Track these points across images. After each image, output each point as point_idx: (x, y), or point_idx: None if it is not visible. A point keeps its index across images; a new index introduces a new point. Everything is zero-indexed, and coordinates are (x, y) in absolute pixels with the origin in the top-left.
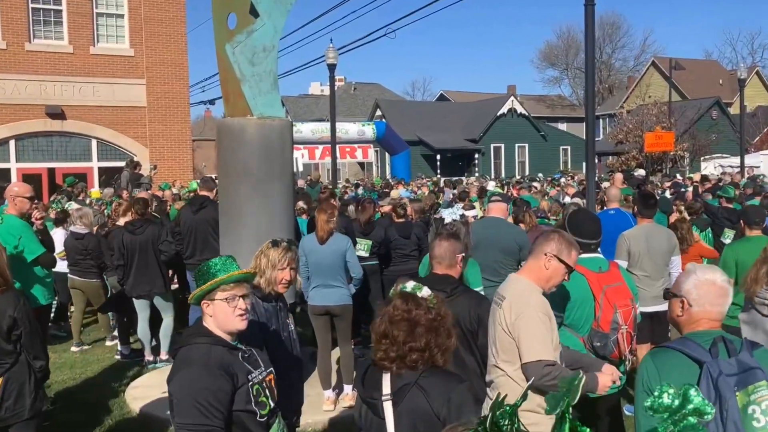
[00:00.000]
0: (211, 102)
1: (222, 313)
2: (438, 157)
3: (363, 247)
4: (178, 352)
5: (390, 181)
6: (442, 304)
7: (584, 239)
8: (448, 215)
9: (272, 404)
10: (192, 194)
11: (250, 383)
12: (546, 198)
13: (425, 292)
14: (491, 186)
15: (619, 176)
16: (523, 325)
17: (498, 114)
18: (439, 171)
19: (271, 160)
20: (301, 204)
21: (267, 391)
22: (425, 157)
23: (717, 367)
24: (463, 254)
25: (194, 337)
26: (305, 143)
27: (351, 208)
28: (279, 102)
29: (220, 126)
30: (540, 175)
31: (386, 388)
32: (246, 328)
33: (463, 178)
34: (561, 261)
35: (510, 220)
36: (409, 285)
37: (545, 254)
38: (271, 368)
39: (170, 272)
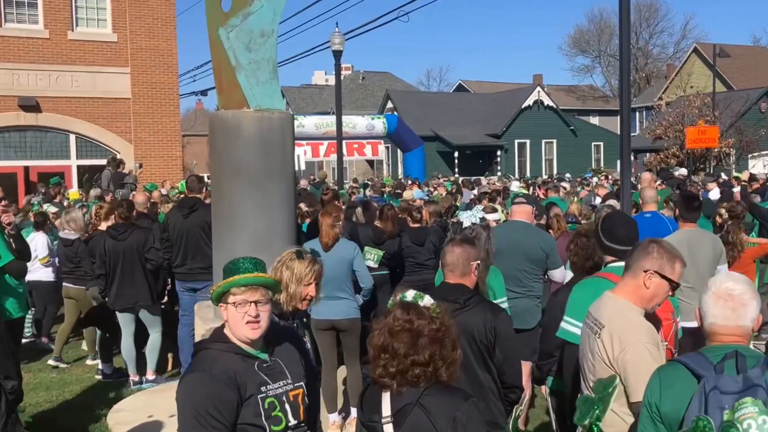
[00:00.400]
0: (203, 93)
1: (233, 319)
2: (456, 154)
3: (372, 257)
4: (196, 355)
5: (402, 181)
6: (446, 313)
7: (619, 245)
8: (467, 218)
9: (293, 421)
10: (181, 196)
11: (262, 395)
12: (576, 200)
13: (427, 300)
14: (515, 186)
15: (647, 176)
16: (632, 360)
17: (523, 106)
18: (457, 170)
19: (269, 158)
20: (303, 207)
21: (286, 406)
22: (442, 154)
23: (713, 383)
24: (478, 261)
25: (210, 342)
26: (308, 139)
27: (359, 210)
28: (279, 93)
29: (213, 119)
30: (567, 175)
31: (386, 409)
32: (259, 337)
33: (484, 177)
34: (663, 277)
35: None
36: (410, 294)
37: (645, 271)
38: (302, 383)
39: (166, 283)
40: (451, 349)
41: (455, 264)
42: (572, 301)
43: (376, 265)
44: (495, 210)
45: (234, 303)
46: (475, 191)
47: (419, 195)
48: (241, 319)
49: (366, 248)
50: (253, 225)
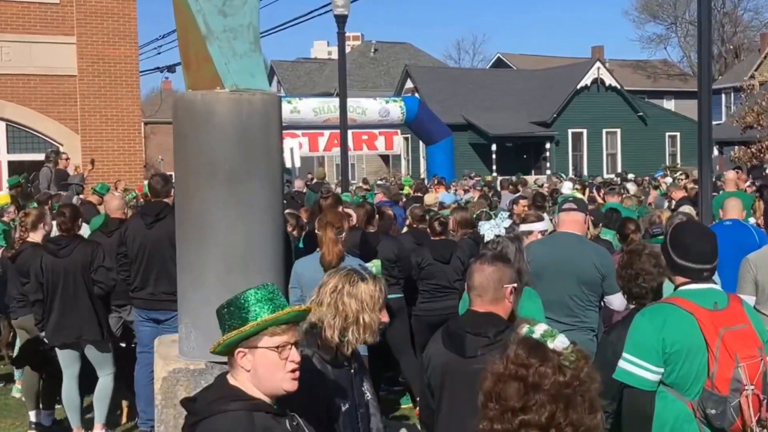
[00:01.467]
0: (171, 69)
1: (268, 367)
2: (493, 147)
3: (370, 267)
4: (196, 427)
5: (425, 181)
6: (586, 362)
7: (693, 263)
8: (489, 230)
9: None
10: (139, 199)
11: None
12: (651, 205)
13: (560, 342)
14: (567, 188)
15: (731, 175)
16: None
17: (578, 87)
18: (495, 167)
19: (250, 152)
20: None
21: None
22: (475, 147)
23: None
24: (515, 284)
25: (223, 402)
26: (305, 128)
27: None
28: (262, 69)
29: (177, 103)
30: (631, 175)
31: None
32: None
33: (530, 176)
34: None
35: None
36: (538, 329)
37: None
38: None
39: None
40: (586, 412)
41: (485, 287)
42: (634, 332)
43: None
44: (540, 218)
45: (277, 347)
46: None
47: (448, 199)
48: (283, 367)
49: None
50: (228, 238)
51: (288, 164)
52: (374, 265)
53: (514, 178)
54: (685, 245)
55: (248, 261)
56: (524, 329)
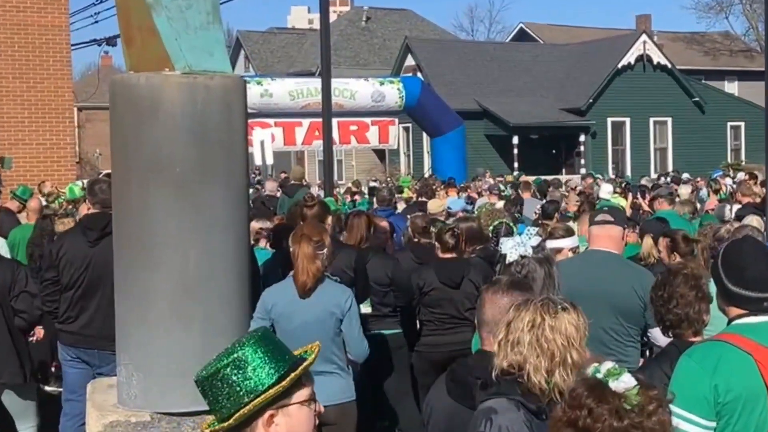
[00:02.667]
0: (111, 41)
1: (304, 425)
2: (515, 140)
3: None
4: None
5: (430, 181)
6: (657, 408)
7: (750, 291)
8: (512, 249)
9: None
10: (66, 206)
11: None
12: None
13: (623, 383)
14: (605, 192)
15: None
16: None
17: (619, 66)
18: (516, 164)
19: (208, 149)
20: (258, 226)
21: None
22: (492, 139)
23: None
24: None
25: None
26: (279, 116)
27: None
28: (222, 45)
29: (116, 88)
30: (686, 175)
31: None
32: None
33: (560, 176)
34: None
35: (656, 251)
36: (604, 367)
37: None
38: None
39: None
40: None
41: (498, 323)
42: (679, 377)
43: (367, 309)
44: (570, 232)
45: (305, 400)
46: (546, 200)
47: (456, 205)
48: (311, 422)
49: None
50: (180, 256)
51: (257, 161)
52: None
53: (544, 178)
54: (741, 268)
55: (205, 286)
56: (591, 368)
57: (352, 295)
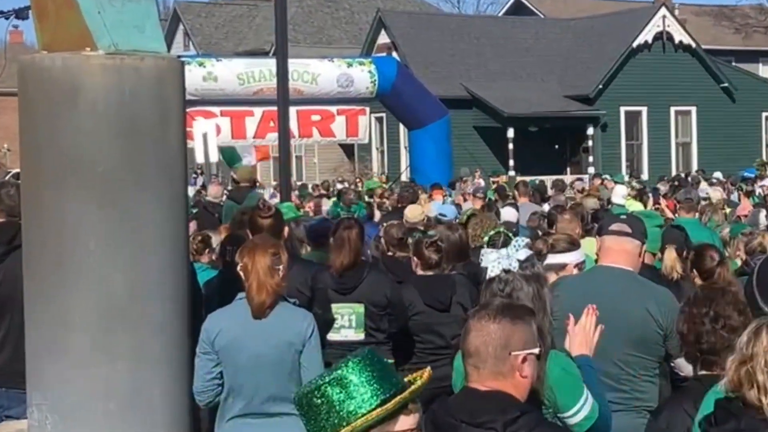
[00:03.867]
0: (20, 14)
1: None
2: (510, 133)
3: (347, 319)
4: None
5: (408, 183)
6: None
7: None
8: (495, 262)
9: None
10: None
11: None
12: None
13: None
14: (619, 195)
15: None
16: None
17: (634, 45)
18: (512, 162)
19: (137, 145)
20: (199, 237)
21: None
22: (483, 132)
23: None
24: (533, 351)
25: None
26: (225, 103)
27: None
28: (155, 19)
29: (26, 71)
30: (718, 174)
31: None
32: None
33: (564, 176)
34: None
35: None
36: None
37: None
38: None
39: None
40: None
41: (482, 354)
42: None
43: (359, 335)
44: (575, 245)
45: (412, 428)
46: (548, 205)
47: (451, 211)
48: None
49: (334, 306)
50: (104, 275)
51: (199, 159)
52: (354, 313)
53: (545, 180)
54: None
55: (134, 311)
56: None
57: (313, 320)
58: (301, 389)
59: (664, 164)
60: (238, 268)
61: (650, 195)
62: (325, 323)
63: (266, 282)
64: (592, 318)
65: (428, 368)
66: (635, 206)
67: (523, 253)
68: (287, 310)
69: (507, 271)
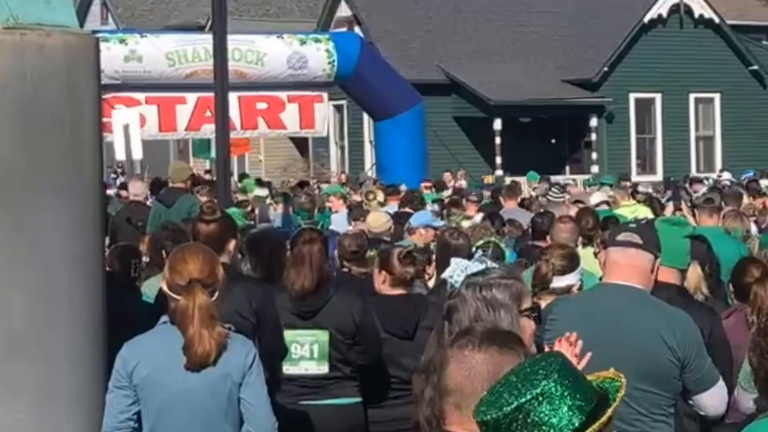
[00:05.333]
0: None
1: None
2: (497, 124)
3: (308, 348)
4: None
5: (375, 186)
6: None
7: None
8: (455, 273)
9: None
10: None
11: None
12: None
13: None
14: (596, 201)
15: None
16: None
17: (646, 20)
18: (500, 159)
19: (40, 139)
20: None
21: None
22: (466, 124)
23: None
24: None
25: None
26: (152, 88)
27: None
28: None
29: None
30: (726, 175)
31: None
32: None
33: (563, 176)
34: None
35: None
36: None
37: None
38: None
39: None
40: None
41: (467, 391)
42: None
43: (322, 367)
44: (573, 261)
45: None
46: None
47: (422, 218)
48: None
49: (292, 333)
50: (1, 295)
51: (119, 155)
52: (315, 342)
53: (536, 181)
54: None
55: (38, 340)
56: None
57: (253, 348)
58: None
59: (682, 162)
60: (173, 305)
61: (674, 200)
62: (275, 354)
63: (209, 333)
64: (572, 349)
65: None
66: (642, 212)
67: (475, 266)
68: (237, 341)
69: (453, 286)
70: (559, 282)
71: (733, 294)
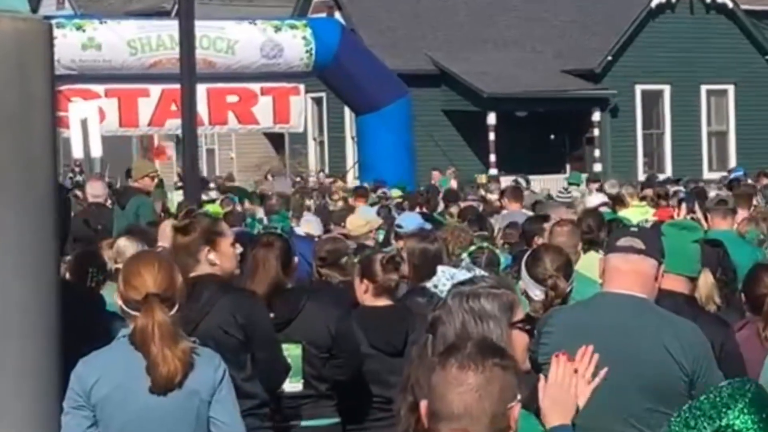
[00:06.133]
0: None
1: None
2: (492, 119)
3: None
4: None
5: (334, 183)
6: None
7: None
8: (443, 280)
9: None
10: None
11: None
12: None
13: None
14: (595, 203)
15: None
16: None
17: (653, 4)
18: (494, 157)
19: None
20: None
21: None
22: (456, 118)
23: None
24: (519, 397)
25: None
26: (111, 80)
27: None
28: None
29: None
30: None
31: None
32: None
33: (561, 175)
34: None
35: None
36: None
37: None
38: None
39: None
40: None
41: (476, 413)
42: None
43: (296, 386)
44: (565, 279)
45: None
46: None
47: (413, 221)
48: None
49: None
50: None
51: (76, 153)
52: (290, 355)
53: (534, 179)
54: None
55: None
56: None
57: (222, 362)
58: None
59: (693, 159)
60: (132, 325)
61: (687, 202)
62: (271, 373)
63: (172, 353)
64: (568, 367)
65: None
66: (639, 213)
67: (463, 274)
68: (206, 356)
69: (434, 295)
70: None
71: (746, 305)
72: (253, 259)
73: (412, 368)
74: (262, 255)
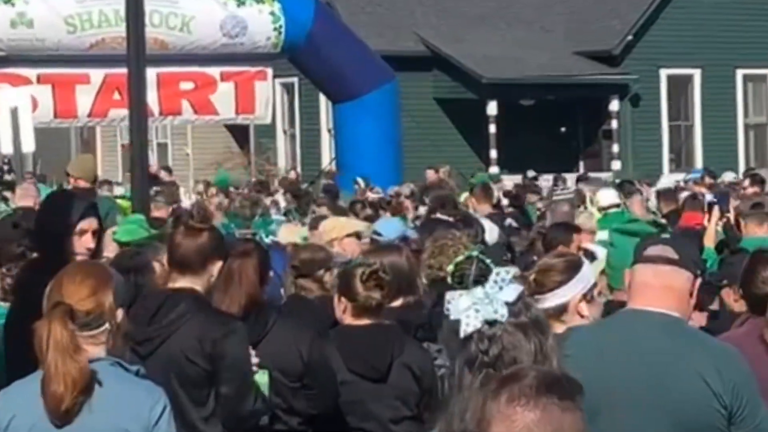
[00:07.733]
0: None
1: None
2: (492, 108)
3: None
4: None
5: (328, 185)
6: None
7: None
8: (468, 312)
9: None
10: None
11: None
12: None
13: None
14: (607, 200)
15: None
16: None
17: None
18: (495, 153)
19: None
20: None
21: None
22: (451, 106)
23: None
24: None
25: None
26: (45, 63)
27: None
28: None
29: None
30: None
31: None
32: None
33: (573, 175)
34: None
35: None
36: None
37: None
38: None
39: None
40: None
41: None
42: None
43: (262, 419)
44: (571, 269)
45: None
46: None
47: (394, 229)
48: None
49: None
50: None
51: (5, 149)
52: (261, 383)
53: (543, 179)
54: None
55: None
56: None
57: (163, 396)
58: None
59: (727, 155)
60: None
61: (720, 204)
62: (235, 412)
63: (66, 369)
64: None
65: None
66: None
67: (512, 292)
68: (124, 384)
69: (491, 323)
70: (547, 302)
71: (745, 302)
72: (228, 271)
73: (459, 396)
74: (237, 266)
